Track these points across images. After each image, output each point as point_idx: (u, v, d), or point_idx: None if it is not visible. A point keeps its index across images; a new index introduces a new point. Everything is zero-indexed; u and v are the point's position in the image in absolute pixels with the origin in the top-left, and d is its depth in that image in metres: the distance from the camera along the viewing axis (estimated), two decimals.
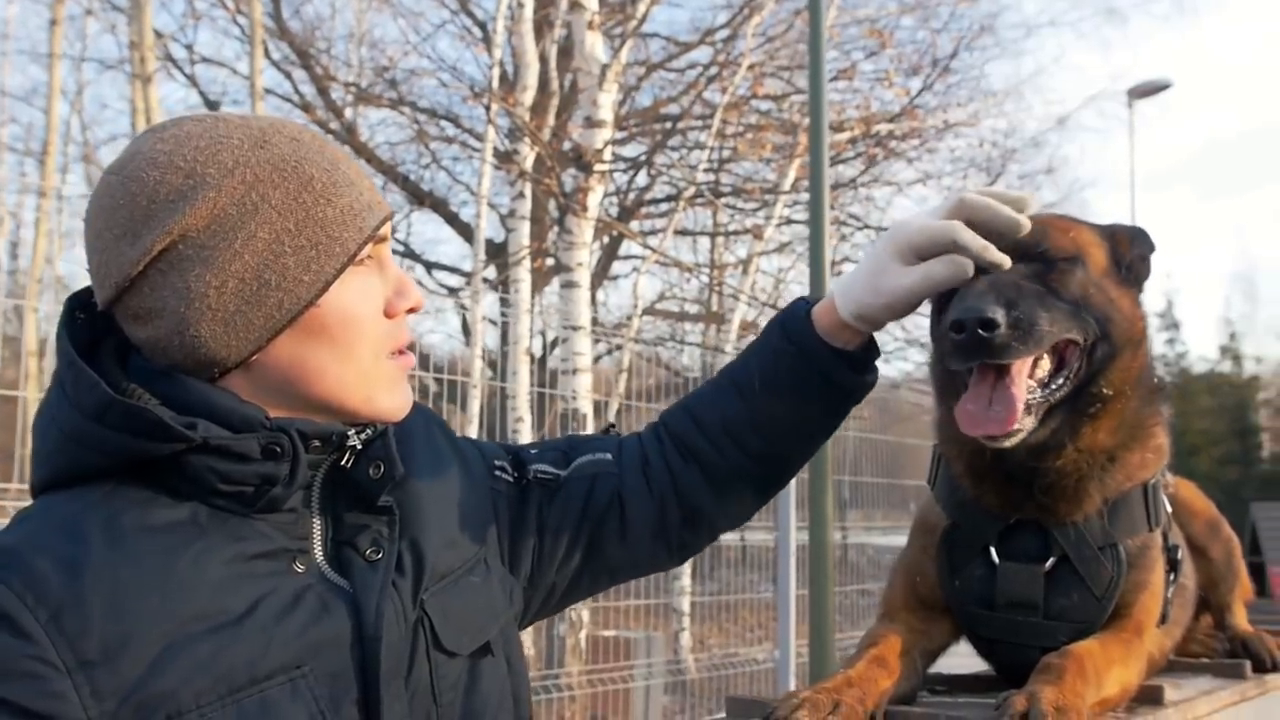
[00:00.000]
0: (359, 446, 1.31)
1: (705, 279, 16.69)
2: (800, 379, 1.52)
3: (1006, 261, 1.43)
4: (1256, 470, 24.36)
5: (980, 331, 1.33)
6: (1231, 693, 1.70)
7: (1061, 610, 1.54)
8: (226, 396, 1.23)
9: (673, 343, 15.39)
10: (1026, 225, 1.45)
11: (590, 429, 8.55)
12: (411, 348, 1.36)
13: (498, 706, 1.39)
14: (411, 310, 1.33)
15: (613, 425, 1.72)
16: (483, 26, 15.05)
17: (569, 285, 9.18)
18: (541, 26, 10.59)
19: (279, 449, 1.22)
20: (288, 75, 16.07)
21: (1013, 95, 25.12)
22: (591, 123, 8.93)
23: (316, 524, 1.29)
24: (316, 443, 1.26)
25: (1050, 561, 1.54)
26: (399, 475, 1.33)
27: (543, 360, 12.46)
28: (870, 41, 14.71)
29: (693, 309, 18.03)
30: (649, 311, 13.84)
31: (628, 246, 16.16)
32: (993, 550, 1.57)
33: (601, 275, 15.09)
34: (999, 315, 1.33)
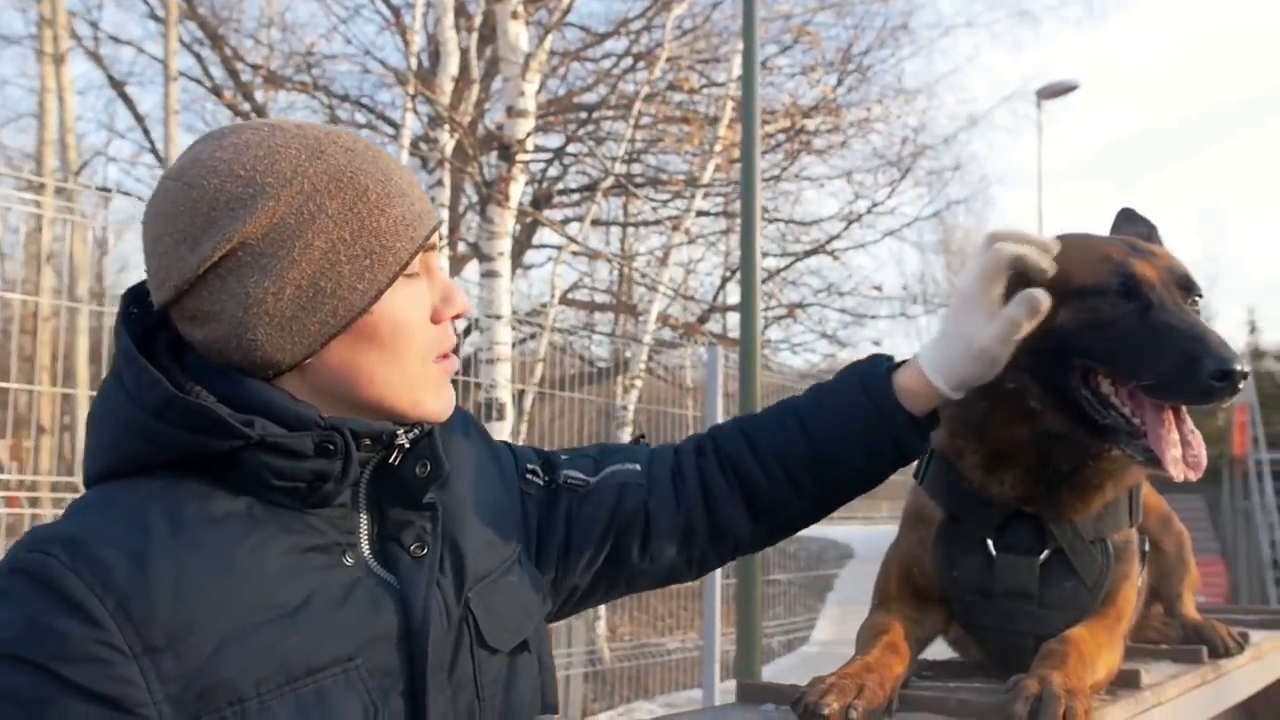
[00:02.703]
0: (407, 445, 1.35)
1: (621, 269, 16.72)
2: (871, 436, 1.57)
3: (1048, 261, 1.52)
4: None
5: (1239, 385, 1.42)
6: (1193, 676, 1.83)
7: (1055, 599, 1.62)
8: (282, 396, 1.27)
9: (584, 331, 15.38)
10: (1052, 268, 1.53)
11: (509, 419, 8.51)
12: (456, 351, 1.40)
13: (530, 702, 1.44)
14: (457, 316, 1.38)
15: (643, 435, 1.76)
16: (396, 12, 14.85)
17: (490, 275, 9.11)
18: (460, 14, 10.50)
19: (332, 447, 1.26)
20: (198, 57, 15.73)
21: (926, 92, 25.50)
22: (514, 112, 8.89)
23: (363, 519, 1.33)
24: (367, 441, 1.30)
25: (1045, 553, 1.63)
26: (445, 474, 1.37)
27: (456, 348, 12.36)
28: (785, 37, 14.87)
29: (603, 299, 18.05)
30: (562, 301, 13.81)
31: (541, 235, 16.12)
32: (990, 542, 1.65)
33: (515, 264, 15.03)
34: (1247, 369, 1.43)
